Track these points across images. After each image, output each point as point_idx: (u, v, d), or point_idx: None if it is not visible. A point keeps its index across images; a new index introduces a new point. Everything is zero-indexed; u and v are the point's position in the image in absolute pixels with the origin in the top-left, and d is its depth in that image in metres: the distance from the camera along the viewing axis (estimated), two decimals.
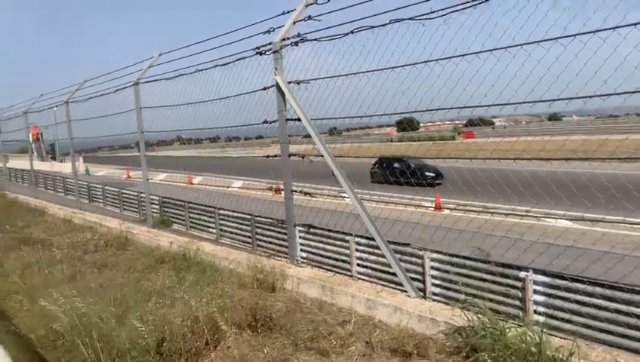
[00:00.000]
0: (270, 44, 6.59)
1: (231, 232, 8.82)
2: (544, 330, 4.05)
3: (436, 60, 4.91)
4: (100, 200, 14.63)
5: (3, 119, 20.84)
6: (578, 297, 4.36)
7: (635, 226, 8.61)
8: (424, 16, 4.97)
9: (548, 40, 4.19)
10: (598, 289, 4.22)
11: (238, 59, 7.30)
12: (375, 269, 6.08)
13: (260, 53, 6.77)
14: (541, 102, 4.35)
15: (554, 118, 51.42)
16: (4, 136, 22.04)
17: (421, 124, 50.34)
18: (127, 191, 13.20)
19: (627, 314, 4.06)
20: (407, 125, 36.65)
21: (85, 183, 15.89)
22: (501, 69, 4.45)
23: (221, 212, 9.08)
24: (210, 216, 9.38)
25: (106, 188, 14.55)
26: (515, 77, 4.33)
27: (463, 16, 4.69)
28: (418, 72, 5.07)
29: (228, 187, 12.75)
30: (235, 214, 8.68)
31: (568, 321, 4.42)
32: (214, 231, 9.22)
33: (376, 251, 5.96)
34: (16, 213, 13.80)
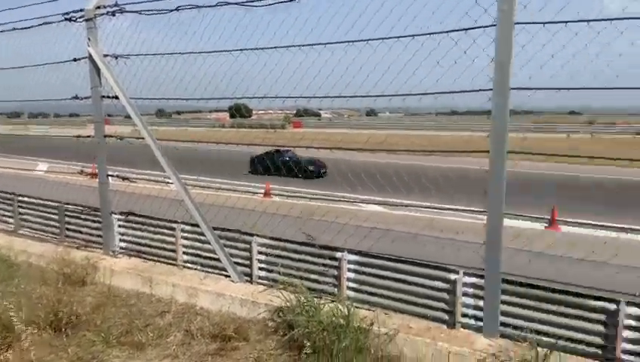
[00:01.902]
0: (82, 10, 5.87)
1: (34, 221, 7.69)
2: (353, 304, 4.48)
3: (263, 49, 4.98)
4: None
5: None
6: (380, 272, 4.90)
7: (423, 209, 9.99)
8: (252, 3, 4.99)
9: (375, 40, 4.50)
10: (394, 265, 4.81)
11: (42, 24, 6.34)
12: (200, 256, 5.96)
13: (70, 20, 5.98)
14: (356, 98, 4.79)
15: (372, 113, 57.95)
16: None
17: (254, 112, 50.72)
18: None
19: (414, 284, 4.71)
20: (235, 112, 36.06)
21: None
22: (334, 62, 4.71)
23: (22, 199, 7.84)
24: (8, 204, 8.03)
25: None
26: (335, 73, 4.64)
27: (294, 7, 4.78)
28: (246, 57, 5.10)
29: (32, 170, 11.09)
30: (40, 201, 7.59)
31: (373, 294, 4.94)
32: (12, 221, 7.93)
33: (202, 238, 5.83)
34: None
